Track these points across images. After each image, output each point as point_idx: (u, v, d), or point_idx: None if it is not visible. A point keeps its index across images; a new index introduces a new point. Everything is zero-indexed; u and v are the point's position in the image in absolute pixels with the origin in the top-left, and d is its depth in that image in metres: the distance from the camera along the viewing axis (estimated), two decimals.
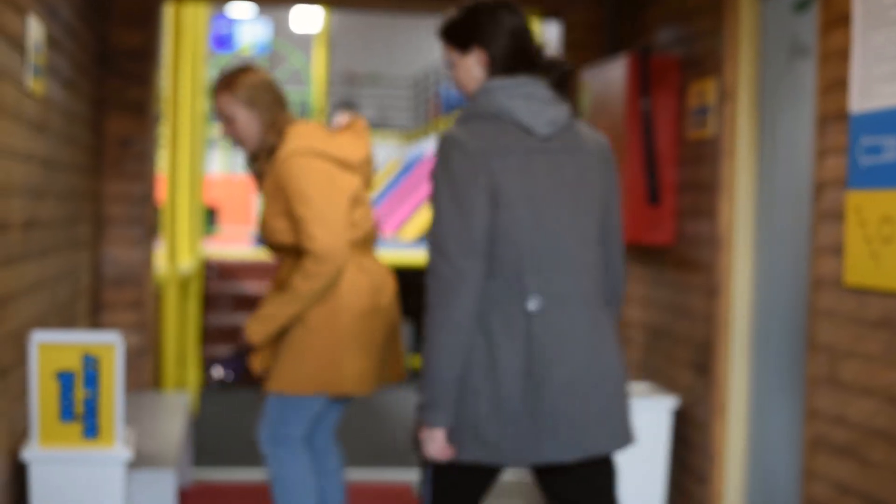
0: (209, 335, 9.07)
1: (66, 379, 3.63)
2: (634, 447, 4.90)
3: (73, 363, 3.62)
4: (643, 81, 5.13)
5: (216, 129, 10.87)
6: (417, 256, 10.40)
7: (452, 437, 2.84)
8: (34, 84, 3.89)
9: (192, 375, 8.15)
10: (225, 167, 20.49)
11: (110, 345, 3.63)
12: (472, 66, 2.98)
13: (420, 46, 23.66)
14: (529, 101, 2.91)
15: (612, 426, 2.89)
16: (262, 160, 3.87)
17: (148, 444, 4.52)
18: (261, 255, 9.60)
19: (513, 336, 2.83)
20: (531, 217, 2.85)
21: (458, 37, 3.00)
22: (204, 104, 9.17)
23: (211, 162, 18.86)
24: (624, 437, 2.92)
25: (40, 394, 3.61)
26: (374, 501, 5.58)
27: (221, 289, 9.28)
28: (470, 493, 2.94)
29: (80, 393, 3.65)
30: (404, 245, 12.40)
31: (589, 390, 2.85)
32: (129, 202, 5.81)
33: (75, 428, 3.67)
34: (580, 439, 2.85)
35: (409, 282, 8.12)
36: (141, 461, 4.26)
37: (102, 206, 5.79)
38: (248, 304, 9.20)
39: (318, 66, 20.13)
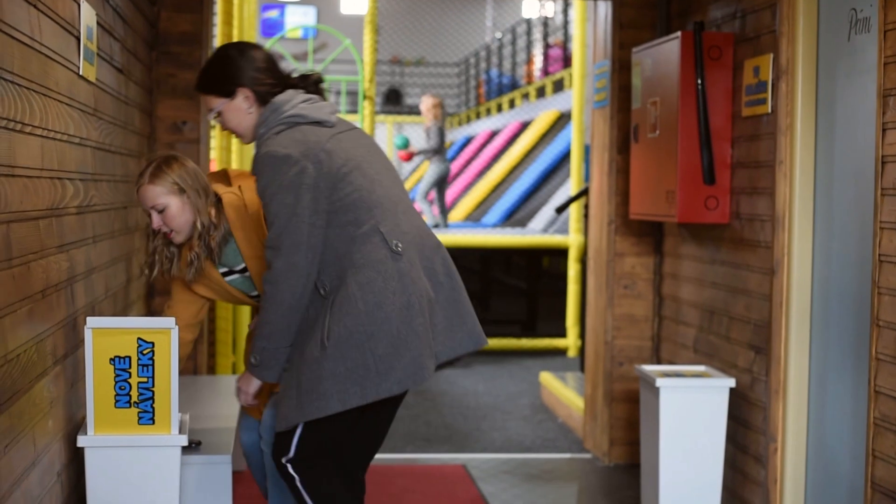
0: None
1: (121, 365, 3.62)
2: (692, 428, 4.84)
3: (129, 349, 3.62)
4: (697, 59, 5.05)
5: None
6: (465, 237, 10.36)
7: (343, 388, 3.43)
8: (86, 69, 3.88)
9: None
10: None
11: (165, 330, 3.61)
12: (241, 105, 3.63)
13: (466, 30, 23.56)
14: (311, 104, 3.58)
15: (464, 331, 3.63)
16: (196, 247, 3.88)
17: (204, 430, 4.51)
18: None
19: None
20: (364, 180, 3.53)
21: (219, 86, 3.63)
22: None
23: None
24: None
25: (95, 380, 3.61)
26: (427, 481, 5.56)
27: None
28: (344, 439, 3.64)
29: (135, 379, 3.64)
30: (453, 226, 12.35)
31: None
32: None
33: (131, 414, 3.66)
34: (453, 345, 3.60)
35: (457, 262, 8.07)
36: (197, 447, 4.25)
37: None
38: None
39: (366, 50, 20.10)
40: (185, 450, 4.12)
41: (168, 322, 3.61)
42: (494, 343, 9.81)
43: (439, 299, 3.59)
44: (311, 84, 3.68)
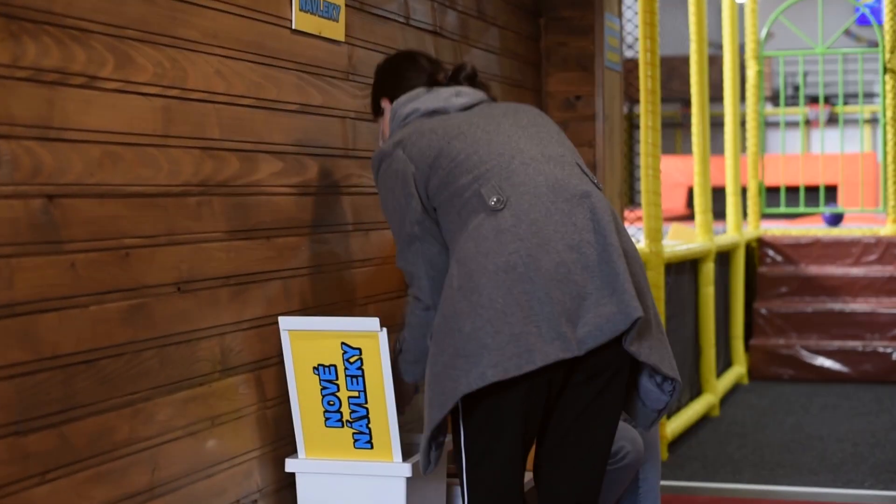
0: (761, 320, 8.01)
1: (326, 375, 2.98)
2: None
3: (333, 356, 2.97)
4: None
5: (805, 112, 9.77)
6: None
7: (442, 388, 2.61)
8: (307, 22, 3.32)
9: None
10: (842, 146, 18.88)
11: (371, 333, 2.93)
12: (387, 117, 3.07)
13: None
14: (430, 94, 2.98)
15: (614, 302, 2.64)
16: None
17: None
18: (835, 232, 8.35)
19: None
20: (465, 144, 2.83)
21: (373, 105, 3.17)
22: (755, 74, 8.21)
23: (827, 140, 17.52)
24: None
25: (300, 393, 3.00)
26: None
27: (782, 272, 8.15)
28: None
29: (344, 393, 2.99)
30: None
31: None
32: None
33: (345, 435, 3.01)
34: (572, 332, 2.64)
35: None
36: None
37: None
38: (809, 289, 7.98)
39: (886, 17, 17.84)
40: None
41: (373, 324, 2.92)
42: None
43: (581, 261, 2.64)
44: (465, 79, 3.03)
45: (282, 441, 3.10)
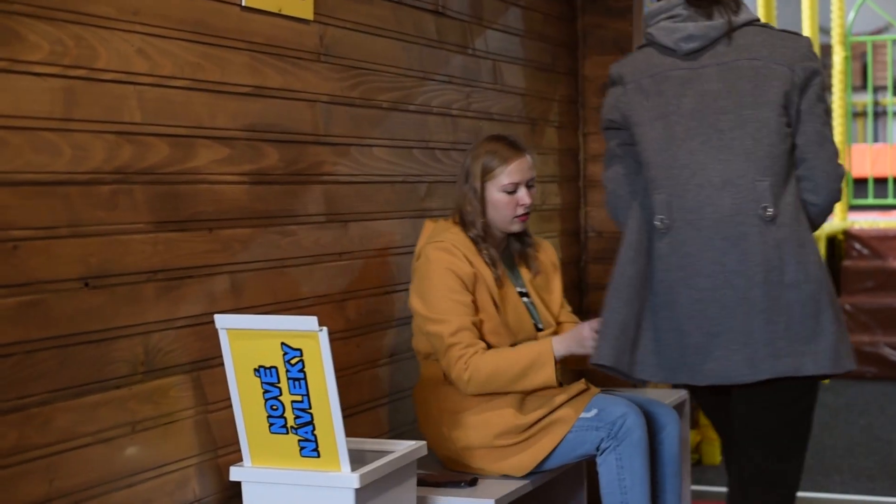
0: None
1: (268, 378, 2.76)
2: None
3: (274, 357, 2.75)
4: None
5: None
6: None
7: None
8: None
9: None
10: None
11: (310, 333, 2.69)
12: None
13: None
14: (671, 23, 2.99)
15: (745, 354, 2.85)
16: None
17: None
18: None
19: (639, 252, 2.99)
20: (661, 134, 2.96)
21: None
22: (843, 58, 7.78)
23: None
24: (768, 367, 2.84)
25: (241, 396, 2.79)
26: None
27: (869, 265, 7.69)
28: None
29: (287, 397, 2.76)
30: None
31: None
32: None
33: (290, 443, 2.79)
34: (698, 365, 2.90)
35: None
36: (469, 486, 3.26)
37: (585, 165, 4.82)
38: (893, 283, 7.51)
39: None
40: (454, 487, 3.21)
41: (311, 323, 2.69)
42: None
43: (720, 301, 2.88)
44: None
45: (228, 448, 2.89)
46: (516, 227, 3.42)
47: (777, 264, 2.84)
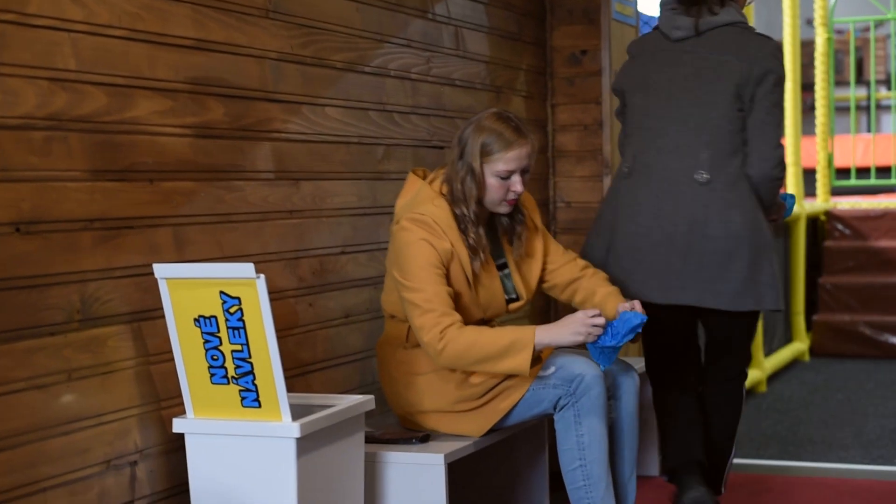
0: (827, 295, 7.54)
1: (208, 328, 2.76)
2: None
3: (213, 307, 2.74)
4: None
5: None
6: None
7: None
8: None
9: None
10: None
11: (248, 281, 2.69)
12: None
13: None
14: (672, 13, 3.66)
15: (658, 281, 3.55)
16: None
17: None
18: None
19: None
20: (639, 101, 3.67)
21: None
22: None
23: None
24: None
25: (182, 347, 2.79)
26: None
27: (850, 245, 7.66)
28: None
29: (227, 347, 2.76)
30: None
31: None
32: (581, 132, 4.76)
33: (231, 393, 2.79)
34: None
35: None
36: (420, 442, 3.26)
37: (554, 136, 4.81)
38: (877, 263, 7.47)
39: None
40: (404, 444, 3.21)
41: (248, 270, 2.68)
42: None
43: (647, 237, 3.58)
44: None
45: (172, 401, 2.88)
46: (503, 210, 3.33)
47: (701, 219, 3.48)
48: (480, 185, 3.25)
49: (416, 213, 3.23)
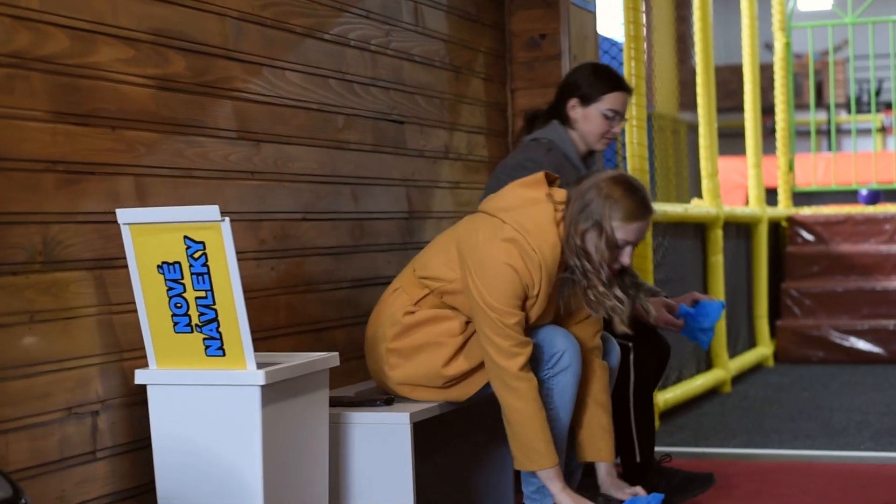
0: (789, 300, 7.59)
1: (171, 274, 2.72)
2: None
3: (177, 252, 2.70)
4: None
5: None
6: None
7: None
8: None
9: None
10: None
11: (213, 224, 2.65)
12: None
13: None
14: None
15: None
16: None
17: None
18: (869, 209, 7.91)
19: None
20: None
21: None
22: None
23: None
24: None
25: (145, 295, 2.75)
26: None
27: (813, 250, 7.72)
28: None
29: (191, 293, 2.72)
30: None
31: None
32: None
33: (195, 341, 2.75)
34: None
35: None
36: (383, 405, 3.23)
37: (512, 121, 4.81)
38: (840, 268, 7.54)
39: None
40: (369, 406, 3.17)
41: (212, 212, 2.65)
42: None
43: None
44: None
45: (135, 352, 2.83)
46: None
47: None
48: (613, 252, 3.15)
49: (530, 246, 3.12)
